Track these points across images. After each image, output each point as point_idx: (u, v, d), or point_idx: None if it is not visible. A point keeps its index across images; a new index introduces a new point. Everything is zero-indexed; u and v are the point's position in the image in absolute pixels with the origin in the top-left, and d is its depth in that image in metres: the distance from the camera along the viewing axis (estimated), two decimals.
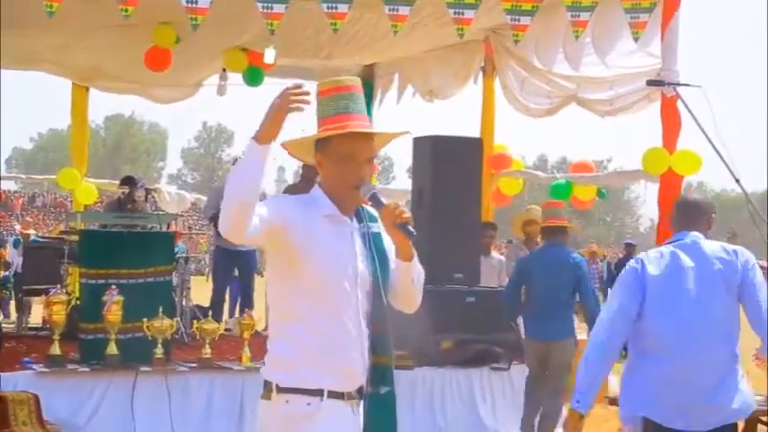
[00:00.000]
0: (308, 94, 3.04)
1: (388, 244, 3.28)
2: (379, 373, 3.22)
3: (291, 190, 10.81)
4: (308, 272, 3.13)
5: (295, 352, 3.20)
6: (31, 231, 17.18)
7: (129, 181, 11.41)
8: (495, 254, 11.20)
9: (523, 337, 8.13)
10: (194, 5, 7.46)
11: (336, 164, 3.19)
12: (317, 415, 3.13)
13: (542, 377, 7.79)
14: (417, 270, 3.27)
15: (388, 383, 3.24)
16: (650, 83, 8.32)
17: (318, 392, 3.15)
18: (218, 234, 11.16)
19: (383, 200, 3.15)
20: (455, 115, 28.90)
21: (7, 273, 14.80)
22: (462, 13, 8.13)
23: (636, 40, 8.46)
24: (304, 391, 3.15)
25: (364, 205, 3.29)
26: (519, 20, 8.21)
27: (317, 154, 3.23)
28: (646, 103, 8.99)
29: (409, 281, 3.24)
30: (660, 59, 8.54)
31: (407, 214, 3.09)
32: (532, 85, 10.50)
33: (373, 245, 3.25)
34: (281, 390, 3.16)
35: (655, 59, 8.71)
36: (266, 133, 2.98)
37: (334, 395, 3.16)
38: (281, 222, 3.08)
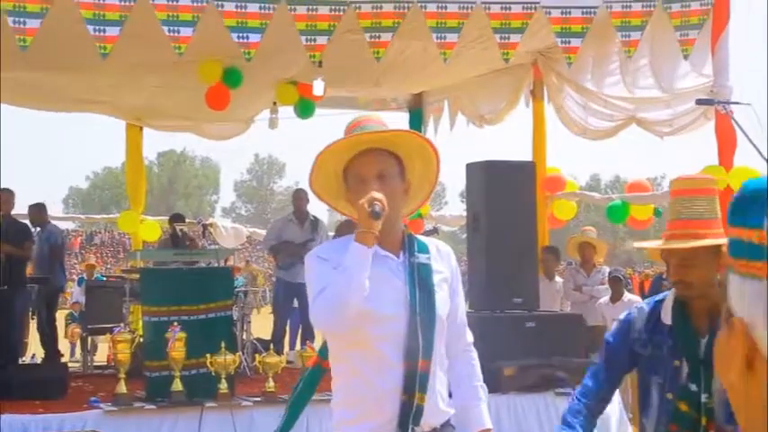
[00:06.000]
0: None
1: (439, 279, 3.13)
2: (406, 414, 3.01)
3: (345, 227, 10.84)
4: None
5: (338, 396, 3.15)
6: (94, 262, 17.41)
7: (178, 218, 11.68)
8: (558, 278, 11.17)
9: None
10: (246, 41, 7.63)
11: (354, 192, 3.07)
12: None
13: None
14: None
15: (414, 424, 3.02)
16: (700, 102, 8.29)
17: None
18: (278, 266, 11.28)
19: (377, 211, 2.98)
20: (505, 140, 28.83)
21: (74, 312, 15.06)
22: (508, 38, 8.16)
23: (686, 57, 8.43)
24: None
25: (413, 235, 3.17)
26: (570, 42, 8.21)
27: (347, 193, 3.13)
28: (703, 120, 8.94)
29: None
30: (712, 77, 8.51)
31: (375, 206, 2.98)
32: (592, 107, 10.47)
33: (417, 276, 3.08)
34: None
35: (707, 79, 8.67)
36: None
37: None
38: None
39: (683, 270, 3.37)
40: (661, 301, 3.58)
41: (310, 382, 3.68)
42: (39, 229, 11.44)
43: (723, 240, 3.15)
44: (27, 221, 11.35)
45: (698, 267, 3.36)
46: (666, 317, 3.49)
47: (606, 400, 3.67)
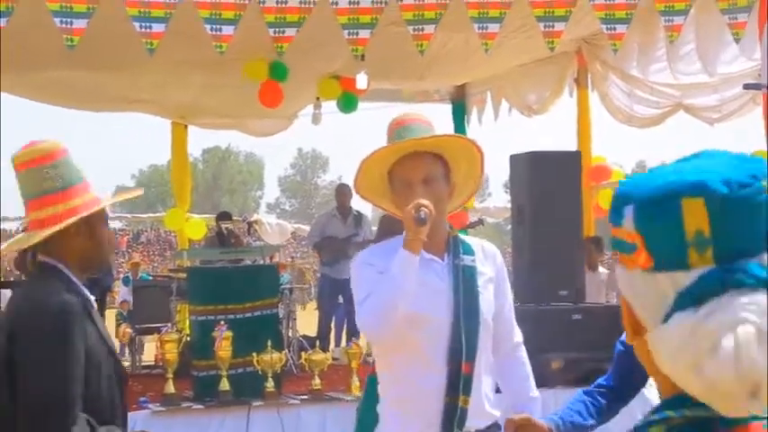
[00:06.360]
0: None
1: (484, 281, 3.11)
2: (450, 416, 3.01)
3: (387, 221, 10.80)
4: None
5: (383, 397, 3.16)
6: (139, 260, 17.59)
7: (224, 216, 11.73)
8: (602, 269, 11.03)
9: None
10: (282, 35, 7.59)
11: (400, 196, 3.06)
12: None
13: None
14: None
15: (459, 427, 3.02)
16: (747, 86, 8.15)
17: None
18: (322, 262, 11.28)
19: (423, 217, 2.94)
20: (549, 129, 28.62)
21: (122, 311, 15.19)
22: (552, 26, 8.02)
23: (737, 41, 8.25)
24: None
25: (458, 236, 3.15)
26: (615, 28, 8.05)
27: (392, 194, 3.11)
28: (752, 106, 8.78)
29: None
30: (760, 61, 8.35)
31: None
32: (638, 95, 10.32)
33: (462, 279, 3.06)
34: None
35: (755, 63, 8.52)
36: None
37: None
38: None
39: None
40: None
41: (372, 391, 3.65)
42: None
43: None
44: None
45: None
46: None
47: (622, 399, 3.39)
